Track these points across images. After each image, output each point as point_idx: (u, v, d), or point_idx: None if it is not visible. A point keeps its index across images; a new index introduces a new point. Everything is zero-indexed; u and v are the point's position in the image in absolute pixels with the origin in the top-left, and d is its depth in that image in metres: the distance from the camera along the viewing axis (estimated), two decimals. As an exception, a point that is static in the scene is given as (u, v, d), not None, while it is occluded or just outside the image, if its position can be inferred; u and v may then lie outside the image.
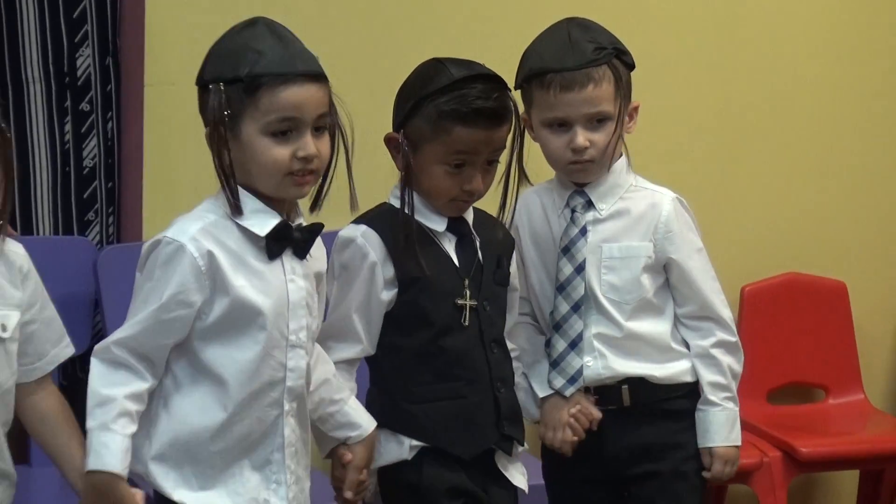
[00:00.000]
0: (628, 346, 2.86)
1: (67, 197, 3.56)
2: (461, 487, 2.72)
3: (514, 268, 2.84)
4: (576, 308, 2.85)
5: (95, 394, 2.40)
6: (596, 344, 2.85)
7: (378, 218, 2.70)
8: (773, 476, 3.83)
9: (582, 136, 2.79)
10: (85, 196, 3.60)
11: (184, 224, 2.45)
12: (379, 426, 2.71)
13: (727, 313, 2.92)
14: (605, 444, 2.88)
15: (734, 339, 2.91)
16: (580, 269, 2.85)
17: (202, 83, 2.46)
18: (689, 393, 2.91)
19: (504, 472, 2.77)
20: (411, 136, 2.66)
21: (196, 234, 2.43)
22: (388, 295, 2.68)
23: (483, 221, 2.79)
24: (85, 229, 3.60)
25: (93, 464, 2.39)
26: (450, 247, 2.73)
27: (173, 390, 2.47)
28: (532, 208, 2.93)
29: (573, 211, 2.88)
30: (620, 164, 2.89)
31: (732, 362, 2.90)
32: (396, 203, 2.71)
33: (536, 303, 2.93)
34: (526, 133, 2.81)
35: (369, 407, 2.73)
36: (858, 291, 4.27)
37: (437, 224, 2.71)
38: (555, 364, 2.87)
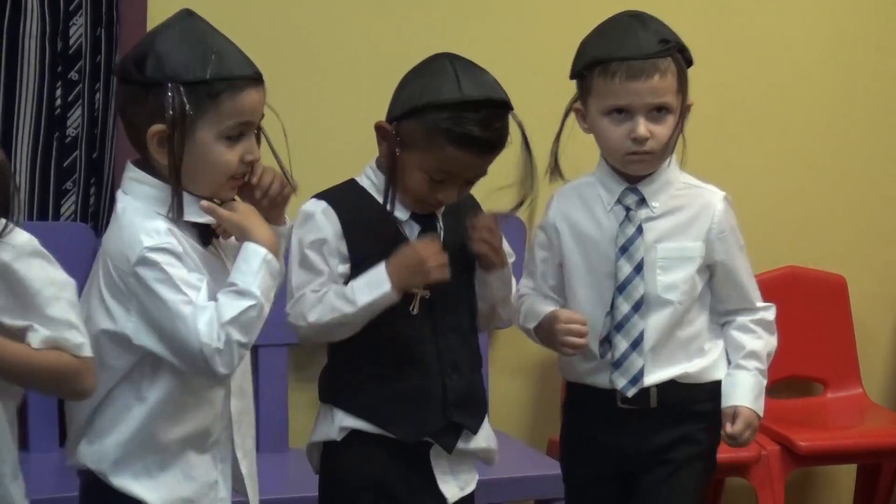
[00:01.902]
0: (672, 349, 2.84)
1: (47, 163, 3.53)
2: (379, 483, 2.68)
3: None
4: (637, 308, 2.82)
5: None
6: (645, 348, 2.83)
7: (341, 195, 2.70)
8: (771, 469, 3.82)
9: (643, 126, 2.77)
10: (65, 165, 3.56)
11: (150, 224, 2.39)
12: (321, 400, 2.71)
13: (763, 303, 2.92)
14: (625, 442, 2.86)
15: (771, 318, 2.92)
16: (639, 268, 2.82)
17: (147, 79, 2.38)
18: (714, 395, 2.87)
19: (437, 473, 2.72)
20: (403, 135, 2.64)
21: (167, 232, 2.39)
22: (342, 269, 2.67)
23: (452, 206, 2.75)
24: (61, 198, 3.58)
25: None
26: (411, 234, 2.70)
27: (143, 380, 2.43)
28: (570, 206, 2.89)
29: (627, 209, 2.84)
30: (671, 161, 2.87)
31: (770, 339, 2.91)
32: (363, 182, 2.71)
33: (576, 305, 2.87)
34: (567, 123, 2.83)
35: (320, 380, 2.74)
36: (858, 286, 4.26)
37: (402, 212, 2.69)
38: (617, 364, 2.82)
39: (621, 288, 2.83)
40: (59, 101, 3.53)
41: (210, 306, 2.36)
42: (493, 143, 2.63)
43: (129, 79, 2.42)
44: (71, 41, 3.54)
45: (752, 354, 2.88)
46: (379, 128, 2.68)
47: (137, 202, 2.42)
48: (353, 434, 2.68)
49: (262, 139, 2.49)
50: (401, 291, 2.61)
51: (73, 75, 3.55)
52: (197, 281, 2.38)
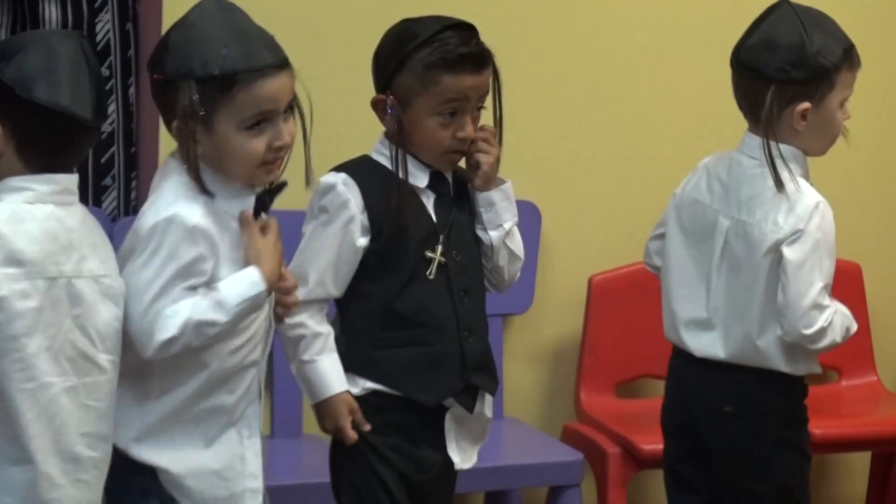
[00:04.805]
0: None
1: (84, 161, 3.55)
2: (400, 431, 2.75)
3: None
4: None
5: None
6: None
7: (359, 167, 2.76)
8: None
9: None
10: (102, 161, 3.59)
11: (181, 204, 2.42)
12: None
13: None
14: None
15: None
16: None
17: (167, 76, 2.41)
18: None
19: (447, 439, 2.80)
20: (399, 94, 2.71)
21: (202, 215, 2.42)
22: (363, 242, 2.73)
23: (461, 174, 2.84)
24: (101, 194, 3.60)
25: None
26: (428, 203, 2.78)
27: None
28: None
29: None
30: None
31: None
32: (378, 157, 2.77)
33: None
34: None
35: None
36: (873, 273, 4.26)
37: (420, 180, 2.76)
38: None
39: None
40: None
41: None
42: (481, 55, 2.73)
43: (151, 75, 2.46)
44: (98, 38, 3.56)
45: None
46: (376, 102, 2.76)
47: (182, 182, 2.45)
48: (373, 392, 2.75)
49: (298, 120, 2.51)
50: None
51: (105, 71, 3.57)
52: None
